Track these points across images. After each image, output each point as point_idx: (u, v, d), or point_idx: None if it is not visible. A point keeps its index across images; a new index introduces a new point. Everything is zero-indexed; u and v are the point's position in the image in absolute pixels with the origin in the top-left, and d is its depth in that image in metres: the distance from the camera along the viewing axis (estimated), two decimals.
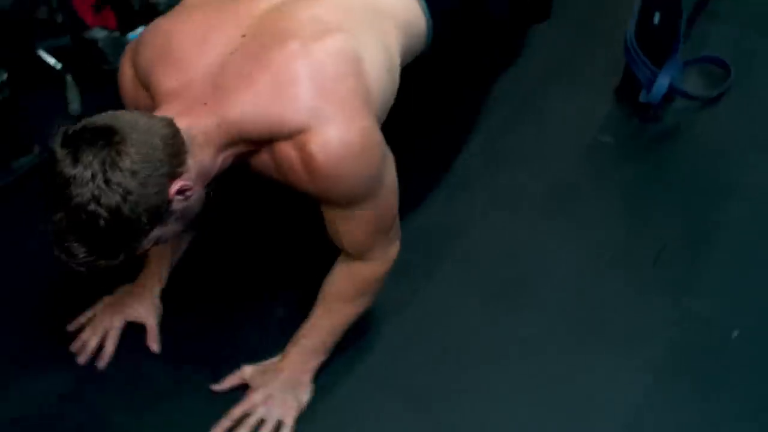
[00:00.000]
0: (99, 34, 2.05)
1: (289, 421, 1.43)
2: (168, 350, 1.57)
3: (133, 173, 1.08)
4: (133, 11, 2.20)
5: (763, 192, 1.85)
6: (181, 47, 1.27)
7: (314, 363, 1.49)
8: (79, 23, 2.18)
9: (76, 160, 1.06)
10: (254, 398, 1.44)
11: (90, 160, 1.06)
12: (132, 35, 2.15)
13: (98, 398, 1.50)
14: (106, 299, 1.60)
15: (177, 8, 1.39)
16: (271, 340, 1.54)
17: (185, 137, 1.17)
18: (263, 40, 1.25)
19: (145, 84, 1.31)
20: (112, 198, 1.07)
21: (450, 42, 1.70)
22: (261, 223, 1.78)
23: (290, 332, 1.49)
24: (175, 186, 1.15)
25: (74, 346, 1.55)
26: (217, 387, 1.48)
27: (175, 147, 1.15)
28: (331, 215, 1.35)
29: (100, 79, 2.11)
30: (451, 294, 1.66)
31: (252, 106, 1.21)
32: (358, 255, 1.40)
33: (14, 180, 1.91)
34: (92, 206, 1.07)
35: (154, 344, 1.56)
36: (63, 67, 2.10)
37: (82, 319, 1.58)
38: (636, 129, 2.03)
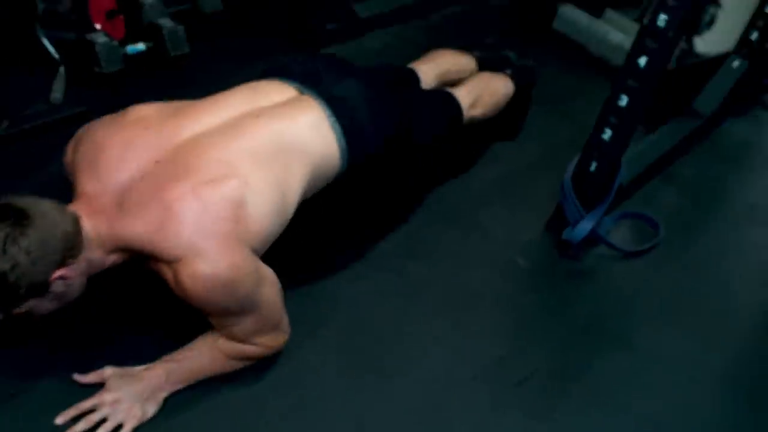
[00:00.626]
0: (99, 38, 2.23)
1: (127, 428, 1.52)
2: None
3: (27, 252, 1.33)
4: (141, 27, 2.39)
5: (646, 357, 1.92)
6: (105, 160, 1.51)
7: (172, 387, 1.60)
8: (88, 24, 2.36)
9: None
10: (104, 397, 1.54)
11: None
12: (131, 48, 2.33)
13: None
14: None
15: (116, 118, 1.62)
16: None
17: (84, 234, 1.43)
18: (169, 172, 1.49)
19: (73, 175, 1.56)
20: (4, 265, 1.31)
21: (368, 165, 1.86)
22: None
23: None
24: (59, 272, 1.39)
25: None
26: (78, 377, 1.58)
27: (71, 242, 1.40)
28: (212, 321, 1.57)
29: (87, 80, 2.29)
30: (313, 358, 1.76)
31: (140, 232, 1.45)
32: (246, 342, 1.61)
33: None
34: None
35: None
36: (60, 59, 2.27)
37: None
38: (552, 261, 2.14)
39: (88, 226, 1.44)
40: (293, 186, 1.64)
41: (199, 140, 1.56)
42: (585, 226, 2.07)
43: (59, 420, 1.51)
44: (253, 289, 1.50)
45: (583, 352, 1.92)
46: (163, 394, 1.59)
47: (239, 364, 1.65)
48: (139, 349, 1.65)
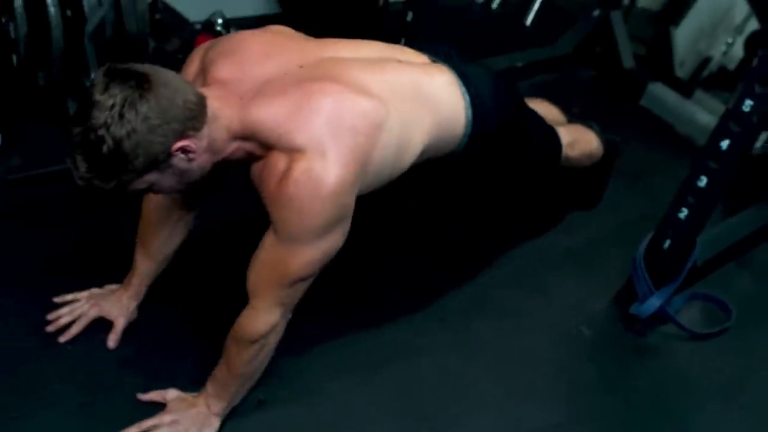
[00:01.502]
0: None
1: None
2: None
3: (145, 118, 1.25)
4: None
5: None
6: (247, 53, 1.48)
7: (219, 407, 1.62)
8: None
9: (106, 89, 1.26)
10: (164, 418, 1.60)
11: (116, 93, 1.25)
12: None
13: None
14: (93, 291, 1.82)
15: (262, 28, 1.60)
16: None
17: (210, 113, 1.36)
18: (312, 74, 1.46)
19: (205, 70, 1.49)
20: (120, 131, 1.24)
21: (483, 153, 1.84)
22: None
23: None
24: (180, 144, 1.32)
25: (50, 316, 1.77)
26: (141, 396, 1.66)
27: (194, 112, 1.33)
28: (268, 238, 1.46)
29: None
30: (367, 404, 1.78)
31: (273, 114, 1.40)
32: (250, 293, 1.51)
33: None
34: (102, 131, 1.25)
35: (112, 341, 1.76)
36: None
37: (68, 296, 1.81)
38: (617, 334, 2.12)
39: (216, 104, 1.38)
40: (418, 136, 1.59)
41: (343, 60, 1.53)
42: (653, 303, 2.06)
43: None
44: (331, 220, 1.42)
45: (639, 429, 1.89)
46: (216, 419, 1.63)
47: (251, 354, 1.55)
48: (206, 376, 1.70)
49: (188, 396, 1.65)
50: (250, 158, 1.47)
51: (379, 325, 1.95)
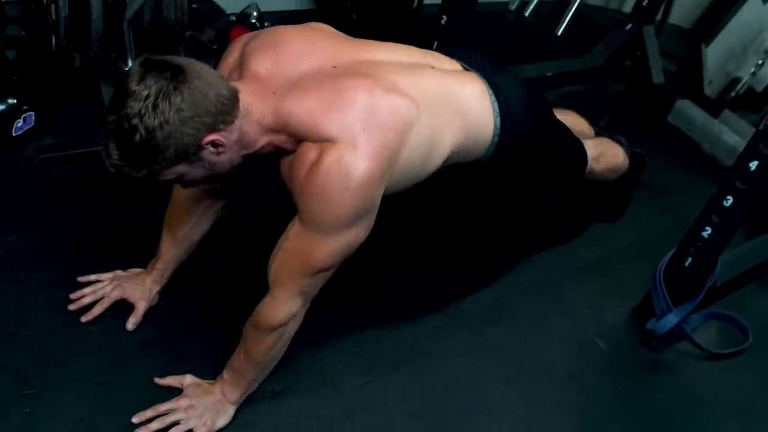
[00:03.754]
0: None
1: None
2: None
3: (178, 110, 1.29)
4: None
5: None
6: (285, 50, 1.50)
7: (235, 394, 1.64)
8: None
9: (141, 79, 1.29)
10: (180, 402, 1.62)
11: (151, 84, 1.29)
12: None
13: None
14: (117, 272, 1.85)
15: (295, 26, 1.62)
16: None
17: (243, 108, 1.40)
18: (346, 73, 1.49)
19: (243, 63, 1.51)
20: (153, 121, 1.28)
21: (508, 163, 1.84)
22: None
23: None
24: (211, 137, 1.36)
25: (73, 295, 1.80)
26: (159, 380, 1.68)
27: (226, 106, 1.36)
28: (292, 228, 1.48)
29: None
30: (382, 401, 1.79)
31: (307, 107, 1.43)
32: (271, 282, 1.52)
33: None
34: (135, 120, 1.28)
35: (131, 324, 1.78)
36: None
37: (92, 277, 1.83)
38: (632, 348, 2.12)
39: (249, 99, 1.41)
40: (447, 139, 1.61)
41: (377, 63, 1.56)
42: (671, 320, 2.06)
43: (135, 419, 1.59)
44: (357, 212, 1.44)
45: None
46: (231, 407, 1.65)
47: (269, 342, 1.57)
48: (224, 363, 1.71)
49: (204, 382, 1.67)
50: (281, 152, 1.50)
51: (398, 324, 1.96)
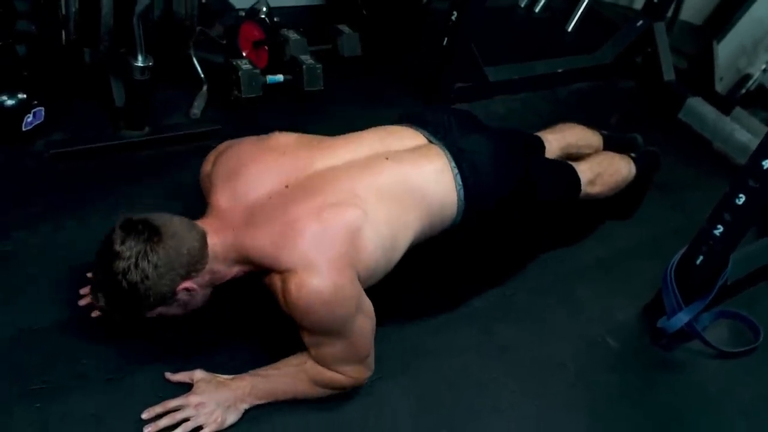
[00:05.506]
0: (243, 65, 2.38)
1: (207, 431, 1.59)
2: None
3: (156, 266, 1.50)
4: (283, 60, 2.54)
5: None
6: (242, 180, 1.66)
7: (254, 400, 1.66)
8: (236, 51, 2.52)
9: (123, 242, 1.50)
10: (190, 399, 1.62)
11: (132, 245, 1.49)
12: (270, 78, 2.47)
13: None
14: None
15: (258, 141, 1.77)
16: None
17: (210, 251, 1.58)
18: (297, 195, 1.62)
19: (211, 182, 1.71)
20: (135, 277, 1.49)
21: (482, 224, 1.93)
22: None
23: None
24: (184, 285, 1.55)
25: (83, 290, 1.80)
26: (170, 375, 1.68)
27: (195, 258, 1.55)
28: (305, 338, 1.64)
29: (226, 101, 2.44)
30: (391, 401, 1.79)
31: (262, 243, 1.58)
32: (326, 368, 1.67)
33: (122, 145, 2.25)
34: (120, 277, 1.49)
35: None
36: (205, 79, 2.43)
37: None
38: (642, 346, 2.11)
39: (214, 239, 1.58)
40: (407, 230, 1.73)
41: (330, 171, 1.68)
42: (681, 318, 2.05)
43: (145, 415, 1.59)
44: (350, 313, 1.58)
45: None
46: (245, 406, 1.65)
47: (320, 391, 1.69)
48: (233, 358, 1.73)
49: (217, 377, 1.67)
50: (255, 273, 1.64)
51: (405, 321, 1.96)
